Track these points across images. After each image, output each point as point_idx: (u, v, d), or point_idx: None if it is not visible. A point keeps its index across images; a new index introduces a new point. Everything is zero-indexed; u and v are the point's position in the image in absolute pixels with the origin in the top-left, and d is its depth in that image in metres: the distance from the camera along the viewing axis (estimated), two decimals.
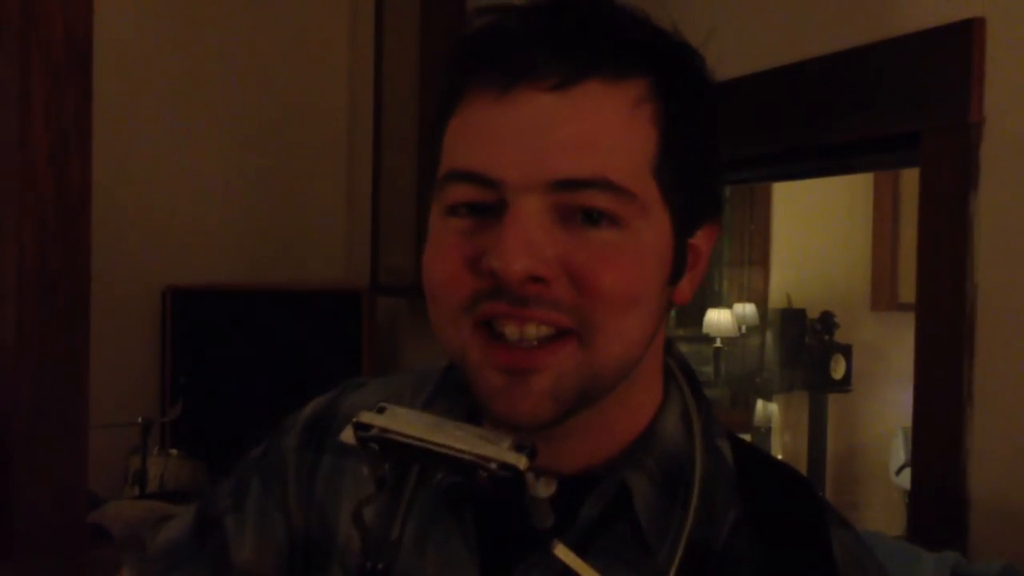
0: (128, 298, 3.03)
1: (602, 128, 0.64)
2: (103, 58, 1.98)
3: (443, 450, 0.61)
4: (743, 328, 4.65)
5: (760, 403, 4.47)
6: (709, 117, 0.71)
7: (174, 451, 2.77)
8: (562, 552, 0.62)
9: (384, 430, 0.63)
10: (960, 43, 1.35)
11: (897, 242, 4.23)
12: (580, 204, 0.64)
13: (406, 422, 0.63)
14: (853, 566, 0.69)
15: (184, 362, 3.06)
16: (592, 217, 0.64)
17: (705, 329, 4.71)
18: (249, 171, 3.24)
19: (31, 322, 1.84)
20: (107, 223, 2.32)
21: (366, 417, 0.64)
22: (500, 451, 0.60)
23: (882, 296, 4.33)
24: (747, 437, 4.39)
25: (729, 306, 4.76)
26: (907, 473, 3.85)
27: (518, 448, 0.60)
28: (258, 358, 3.09)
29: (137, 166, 3.03)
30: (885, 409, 4.27)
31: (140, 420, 2.65)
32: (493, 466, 0.60)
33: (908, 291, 4.11)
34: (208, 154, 3.18)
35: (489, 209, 0.65)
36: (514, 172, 0.63)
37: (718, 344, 4.69)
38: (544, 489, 0.61)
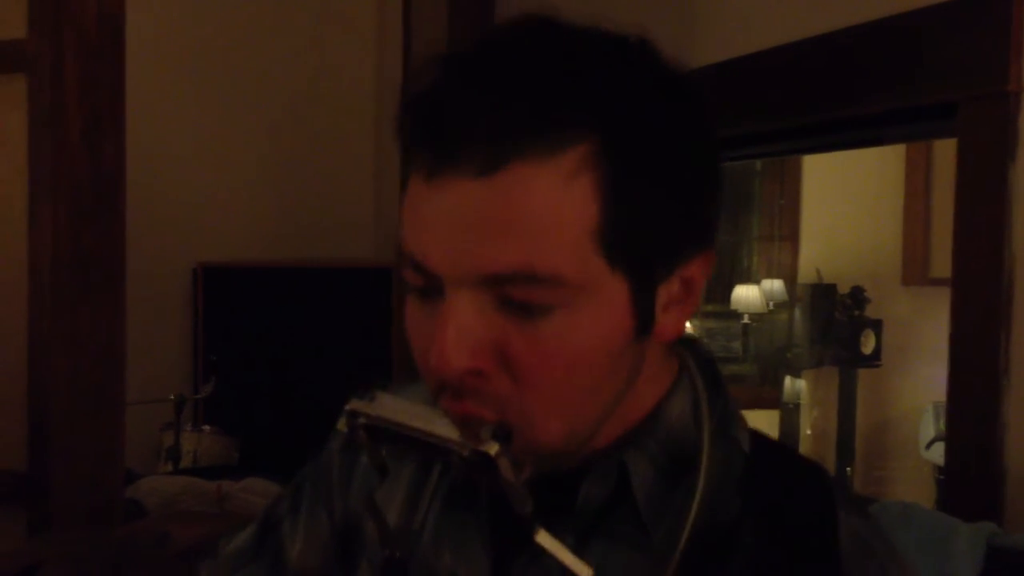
0: (160, 276, 3.06)
1: (528, 213, 0.60)
2: (136, 38, 1.99)
3: (421, 436, 0.64)
4: (771, 304, 4.63)
5: (788, 379, 4.46)
6: (682, 155, 0.65)
7: (207, 427, 2.80)
8: (544, 538, 0.63)
9: (370, 417, 0.66)
10: (998, 11, 1.33)
11: (929, 216, 4.19)
12: (509, 295, 0.62)
13: (392, 409, 0.65)
14: (859, 554, 0.67)
15: (216, 339, 3.09)
16: (526, 307, 0.62)
17: (733, 305, 4.69)
18: (279, 149, 3.26)
19: (66, 300, 1.86)
20: (139, 202, 2.33)
21: (355, 405, 0.66)
22: (476, 435, 0.62)
23: (913, 271, 4.29)
24: (776, 413, 4.38)
25: (757, 282, 4.74)
26: (937, 448, 3.84)
27: (493, 435, 0.62)
28: (289, 335, 3.11)
29: (169, 145, 3.05)
30: (915, 384, 4.25)
31: (173, 397, 2.68)
32: (465, 452, 0.62)
33: (939, 266, 4.07)
34: (238, 133, 3.20)
35: (437, 289, 0.64)
36: (445, 266, 0.62)
37: (746, 320, 4.67)
38: (516, 474, 0.62)
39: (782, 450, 0.75)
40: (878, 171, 4.33)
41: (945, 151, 3.60)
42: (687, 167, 0.65)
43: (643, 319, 0.66)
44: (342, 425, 0.67)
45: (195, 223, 3.14)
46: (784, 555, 0.66)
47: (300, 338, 3.11)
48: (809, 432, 4.38)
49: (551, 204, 0.61)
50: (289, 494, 0.90)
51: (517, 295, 0.62)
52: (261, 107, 3.21)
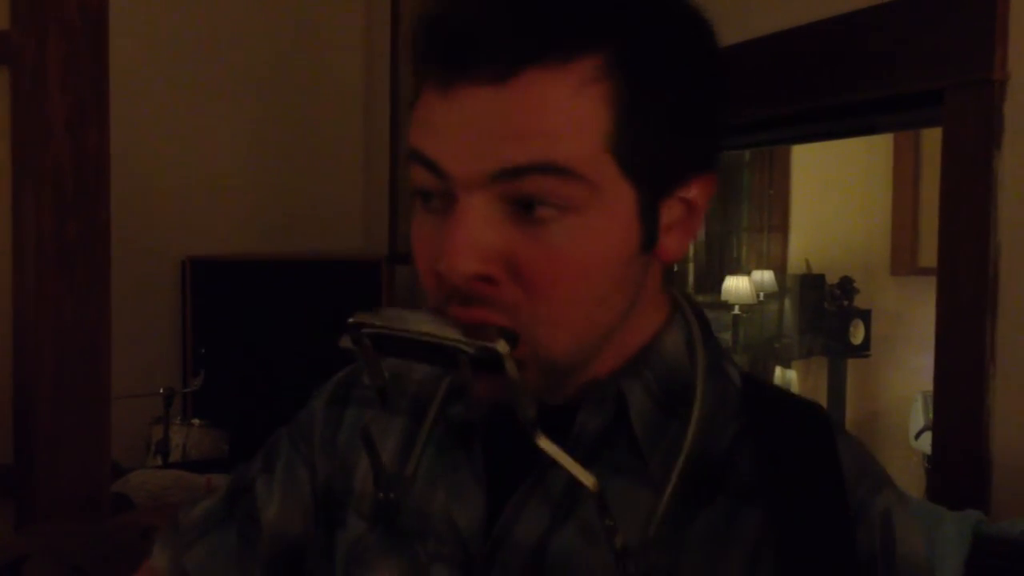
0: (148, 269, 3.05)
1: (543, 115, 0.63)
2: (120, 28, 1.98)
3: (428, 338, 0.64)
4: (761, 295, 4.64)
5: (778, 369, 4.46)
6: (689, 77, 0.68)
7: (196, 421, 2.79)
8: (544, 443, 0.64)
9: (375, 326, 0.66)
10: None
11: (917, 206, 4.20)
12: (525, 191, 0.63)
13: (397, 318, 0.66)
14: (858, 472, 0.69)
15: (204, 332, 3.08)
16: (537, 205, 0.63)
17: (723, 296, 4.70)
18: (267, 140, 3.24)
19: (51, 293, 1.85)
20: (126, 193, 2.32)
21: (360, 317, 0.67)
22: (483, 337, 0.63)
23: (902, 260, 4.30)
24: None
25: (747, 273, 4.74)
26: (926, 437, 3.85)
27: (501, 335, 0.63)
28: (278, 328, 3.11)
29: (155, 136, 3.04)
30: (904, 374, 4.27)
31: (162, 390, 2.67)
32: (473, 350, 0.62)
33: (928, 255, 4.08)
34: (226, 124, 3.18)
35: (448, 196, 0.66)
36: (458, 167, 0.64)
37: (736, 311, 4.68)
38: (521, 375, 0.63)
39: (772, 386, 0.78)
40: (866, 161, 4.34)
41: (933, 140, 3.60)
42: (694, 87, 0.68)
43: (648, 232, 0.67)
44: (345, 341, 0.67)
45: (183, 216, 3.13)
46: (788, 475, 0.68)
47: (289, 331, 3.10)
48: None
49: (564, 109, 0.63)
50: (261, 457, 0.88)
51: (532, 188, 0.63)
52: (249, 99, 3.20)
